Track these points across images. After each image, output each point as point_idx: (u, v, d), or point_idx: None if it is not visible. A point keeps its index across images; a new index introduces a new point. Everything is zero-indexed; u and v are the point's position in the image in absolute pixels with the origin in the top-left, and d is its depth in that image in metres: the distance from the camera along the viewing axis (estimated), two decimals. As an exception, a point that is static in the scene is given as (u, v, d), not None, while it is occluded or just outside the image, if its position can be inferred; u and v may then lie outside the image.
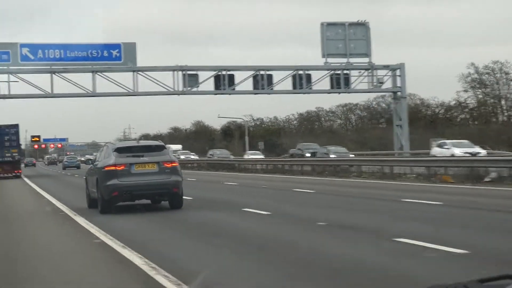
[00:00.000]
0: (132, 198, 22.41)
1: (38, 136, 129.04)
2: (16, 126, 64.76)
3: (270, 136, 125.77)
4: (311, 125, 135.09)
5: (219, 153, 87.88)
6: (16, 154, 63.66)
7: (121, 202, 22.49)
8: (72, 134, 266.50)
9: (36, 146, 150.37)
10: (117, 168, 21.94)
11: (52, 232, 18.35)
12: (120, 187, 21.83)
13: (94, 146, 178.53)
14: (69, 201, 28.16)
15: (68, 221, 20.44)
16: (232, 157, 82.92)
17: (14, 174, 62.90)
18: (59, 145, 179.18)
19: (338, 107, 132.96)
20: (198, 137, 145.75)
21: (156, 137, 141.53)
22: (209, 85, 64.96)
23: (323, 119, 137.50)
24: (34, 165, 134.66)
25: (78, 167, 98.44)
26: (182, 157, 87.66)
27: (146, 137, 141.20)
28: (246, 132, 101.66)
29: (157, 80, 63.96)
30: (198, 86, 65.01)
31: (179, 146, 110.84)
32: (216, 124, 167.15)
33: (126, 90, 63.76)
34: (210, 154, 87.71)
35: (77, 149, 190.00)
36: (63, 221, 20.45)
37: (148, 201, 23.61)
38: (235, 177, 48.72)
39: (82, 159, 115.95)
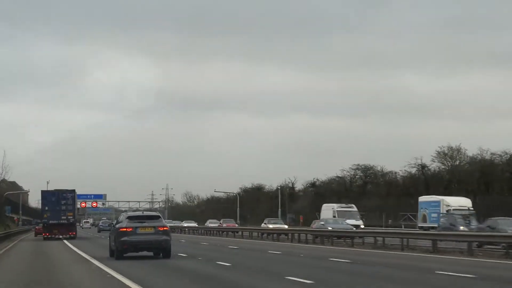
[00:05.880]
0: (136, 249, 34.78)
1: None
2: (73, 191, 71.59)
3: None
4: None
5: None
6: (71, 217, 70.15)
7: (130, 252, 34.49)
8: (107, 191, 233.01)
9: None
10: (127, 229, 33.69)
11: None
12: (128, 242, 34.01)
13: (116, 211, 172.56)
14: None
15: (93, 264, 31.24)
16: None
17: (69, 235, 68.76)
18: (94, 204, 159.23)
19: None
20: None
21: None
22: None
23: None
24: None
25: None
26: None
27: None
28: None
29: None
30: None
31: None
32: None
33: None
34: None
35: (100, 212, 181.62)
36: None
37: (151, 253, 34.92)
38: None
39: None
